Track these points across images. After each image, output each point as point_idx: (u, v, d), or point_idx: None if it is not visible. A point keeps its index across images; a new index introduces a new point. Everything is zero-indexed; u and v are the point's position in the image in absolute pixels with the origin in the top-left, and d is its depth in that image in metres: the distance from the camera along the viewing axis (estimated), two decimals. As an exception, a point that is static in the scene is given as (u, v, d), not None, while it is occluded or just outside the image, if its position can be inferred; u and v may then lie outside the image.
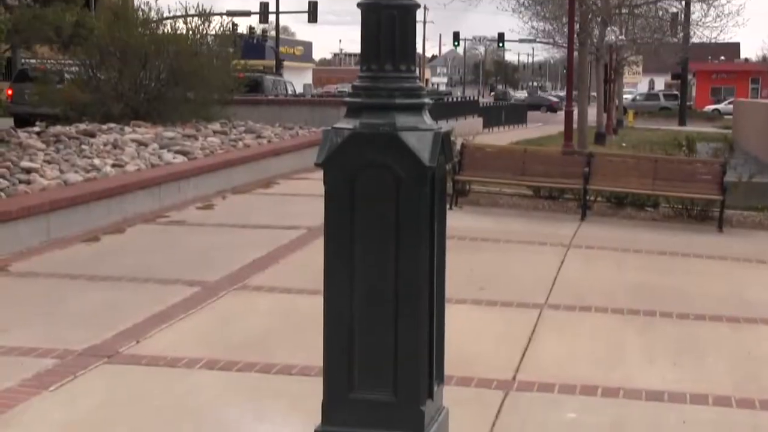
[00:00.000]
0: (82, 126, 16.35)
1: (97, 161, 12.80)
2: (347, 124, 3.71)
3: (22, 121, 21.69)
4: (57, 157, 12.93)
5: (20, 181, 10.89)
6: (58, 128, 15.92)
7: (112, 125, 16.73)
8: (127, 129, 16.56)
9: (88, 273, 8.49)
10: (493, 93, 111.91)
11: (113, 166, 12.73)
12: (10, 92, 25.76)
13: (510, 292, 8.29)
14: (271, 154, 16.61)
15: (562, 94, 59.77)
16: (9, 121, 22.55)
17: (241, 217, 11.95)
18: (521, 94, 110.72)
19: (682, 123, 52.34)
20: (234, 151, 16.02)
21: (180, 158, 14.28)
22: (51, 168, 11.96)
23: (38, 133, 15.15)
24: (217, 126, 18.74)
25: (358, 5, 3.68)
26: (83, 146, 14.13)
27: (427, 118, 3.74)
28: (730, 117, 44.55)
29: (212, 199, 13.25)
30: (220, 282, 8.19)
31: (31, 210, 9.61)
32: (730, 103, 58.25)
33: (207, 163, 14.24)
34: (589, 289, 8.55)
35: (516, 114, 49.52)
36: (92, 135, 15.18)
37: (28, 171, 11.40)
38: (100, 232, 10.38)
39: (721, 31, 34.82)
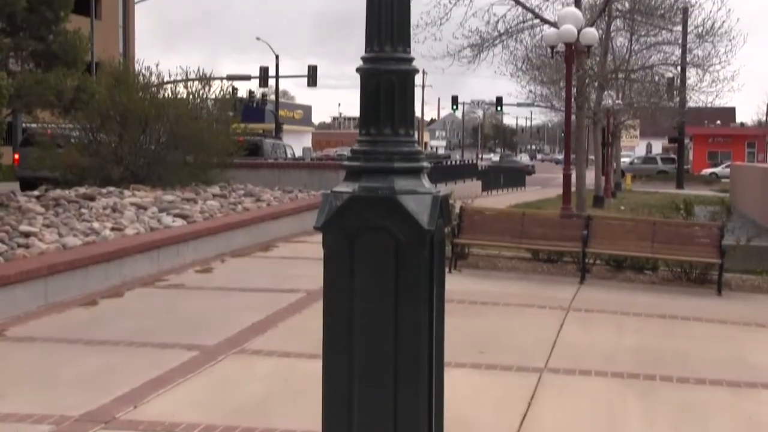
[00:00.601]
0: (82, 190, 16.40)
1: (96, 225, 12.82)
2: (346, 188, 3.72)
3: (29, 185, 21.76)
4: (56, 220, 12.95)
5: (18, 245, 10.89)
6: (58, 192, 15.97)
7: (111, 189, 16.78)
8: (127, 192, 16.61)
9: (85, 337, 8.45)
10: (500, 156, 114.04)
11: (112, 229, 12.74)
12: (17, 157, 26.11)
13: (509, 355, 8.25)
14: (270, 218, 16.65)
15: (560, 156, 60.06)
16: (9, 185, 22.62)
17: (240, 280, 11.93)
18: (524, 157, 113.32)
19: (679, 186, 52.55)
20: (233, 215, 16.06)
21: (179, 222, 14.30)
22: (50, 232, 11.97)
23: (38, 197, 15.19)
24: (216, 189, 18.80)
25: (358, 70, 3.73)
26: (83, 210, 14.17)
27: (425, 182, 3.76)
28: (728, 180, 44.75)
29: (211, 263, 13.24)
30: (218, 346, 8.15)
31: (29, 274, 9.60)
32: (727, 166, 58.54)
33: (206, 227, 14.25)
34: (589, 353, 8.51)
35: (515, 177, 49.72)
36: (92, 198, 15.22)
37: (27, 235, 11.41)
38: (99, 296, 10.35)
39: (716, 96, 35.17)
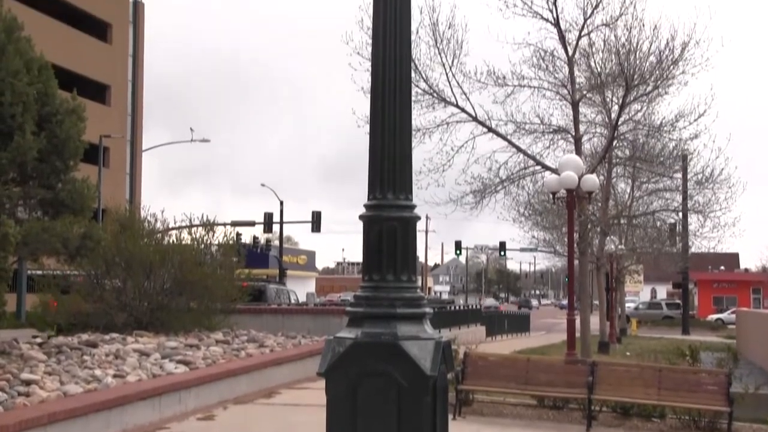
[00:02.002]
0: (85, 336, 16.35)
1: (98, 372, 12.73)
2: (349, 334, 3.73)
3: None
4: (58, 368, 12.86)
5: (19, 394, 10.78)
6: (61, 339, 15.92)
7: (114, 335, 16.73)
8: (130, 339, 16.55)
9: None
10: (517, 300, 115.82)
11: (114, 376, 12.64)
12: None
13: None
14: (273, 364, 16.51)
15: (565, 302, 59.93)
16: (11, 333, 22.53)
17: (242, 428, 11.75)
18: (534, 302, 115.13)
19: (685, 332, 52.26)
20: (236, 361, 15.93)
21: (182, 368, 14.19)
22: (51, 379, 11.88)
23: (40, 344, 15.13)
24: (219, 335, 18.73)
25: (360, 217, 3.79)
26: (85, 357, 14.09)
27: (428, 327, 3.77)
28: (734, 327, 44.51)
29: (213, 410, 13.07)
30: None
31: (29, 423, 9.47)
32: (732, 312, 58.33)
33: (208, 373, 14.13)
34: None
35: (519, 322, 49.50)
36: (94, 345, 15.16)
37: (28, 383, 11.32)
38: (98, 444, 10.17)
39: (718, 242, 35.32)
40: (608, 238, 34.09)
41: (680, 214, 36.99)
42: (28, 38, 14.99)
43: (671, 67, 25.69)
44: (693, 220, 36.25)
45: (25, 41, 14.71)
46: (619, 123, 27.18)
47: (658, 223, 37.46)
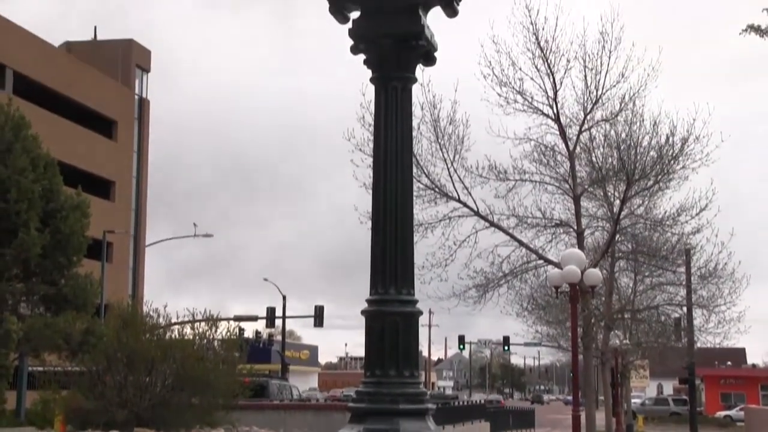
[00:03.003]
0: (85, 434, 16.18)
1: (97, 470, 12.55)
2: (351, 430, 3.70)
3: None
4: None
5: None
6: (60, 436, 15.74)
7: (114, 432, 16.54)
8: (130, 436, 16.36)
9: None
10: (531, 395, 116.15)
11: (113, 474, 12.46)
12: None
13: None
14: (275, 462, 16.29)
15: (570, 397, 59.25)
16: (13, 431, 22.27)
17: None
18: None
19: (693, 429, 51.41)
20: (237, 459, 15.72)
21: (182, 466, 13.99)
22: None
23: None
24: (221, 431, 18.52)
25: (362, 312, 3.79)
26: (84, 454, 13.91)
27: (431, 424, 3.74)
28: (743, 424, 43.93)
29: None
30: None
31: None
32: (741, 409, 57.60)
33: (209, 471, 13.92)
34: None
35: (523, 418, 48.86)
36: (94, 442, 14.98)
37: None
38: None
39: (724, 337, 35.00)
40: (612, 332, 33.87)
41: (684, 308, 36.79)
42: (35, 136, 15.25)
43: (672, 162, 25.89)
44: (698, 315, 36.02)
45: (32, 139, 14.96)
46: (621, 217, 27.27)
47: (663, 318, 37.23)
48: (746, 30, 17.43)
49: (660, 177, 26.36)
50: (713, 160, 25.78)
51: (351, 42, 3.53)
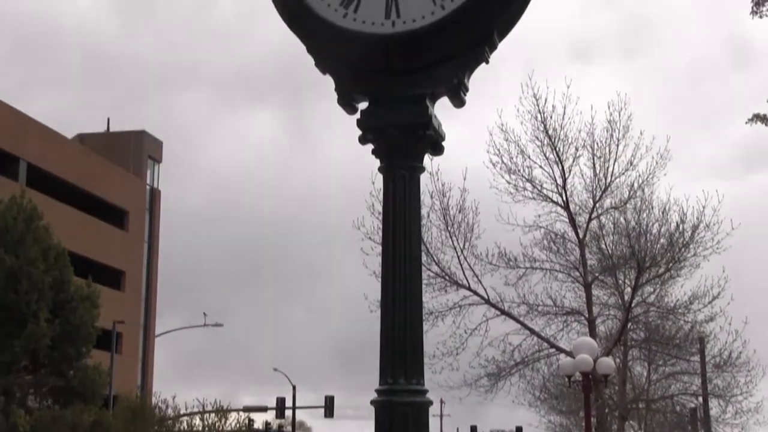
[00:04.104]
0: None
1: None
2: None
3: None
4: None
5: None
6: None
7: None
8: None
9: None
10: None
11: None
12: None
13: None
14: None
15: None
16: None
17: None
18: None
19: None
20: None
21: None
22: None
23: None
24: None
25: (372, 402, 3.74)
26: None
27: None
28: None
29: None
30: None
31: None
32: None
33: None
34: None
35: None
36: None
37: None
38: None
39: (742, 429, 34.38)
40: (627, 423, 33.37)
41: (700, 398, 36.26)
42: (47, 226, 15.36)
43: (682, 249, 25.85)
44: (714, 405, 35.46)
45: (43, 230, 15.07)
46: (633, 305, 27.11)
47: (678, 408, 36.69)
48: (752, 119, 17.61)
49: (671, 265, 26.29)
50: (724, 247, 25.74)
51: (359, 132, 3.57)
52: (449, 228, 25.20)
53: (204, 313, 56.34)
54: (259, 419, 68.81)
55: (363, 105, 3.58)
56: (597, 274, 27.72)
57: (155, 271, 61.40)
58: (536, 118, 26.11)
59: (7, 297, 16.07)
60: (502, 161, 26.22)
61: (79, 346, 14.62)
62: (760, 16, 16.36)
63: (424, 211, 21.27)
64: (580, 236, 26.51)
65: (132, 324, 53.00)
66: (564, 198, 26.28)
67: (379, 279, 3.89)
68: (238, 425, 22.00)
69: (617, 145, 26.14)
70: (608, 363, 22.31)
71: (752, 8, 16.36)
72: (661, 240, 25.89)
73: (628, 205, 26.43)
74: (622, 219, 26.70)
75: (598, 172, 26.22)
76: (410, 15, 3.42)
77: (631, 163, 26.12)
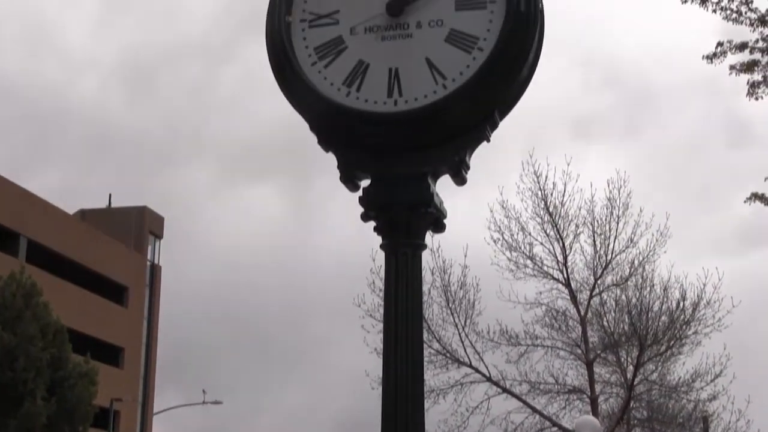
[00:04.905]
0: None
1: None
2: None
3: None
4: None
5: None
6: None
7: None
8: None
9: None
10: None
11: None
12: None
13: None
14: None
15: None
16: None
17: None
18: None
19: None
20: None
21: None
22: None
23: None
24: None
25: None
26: None
27: None
28: None
29: None
30: None
31: None
32: None
33: None
34: None
35: None
36: None
37: None
38: None
39: None
40: None
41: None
42: (46, 303, 15.31)
43: (684, 327, 25.76)
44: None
45: (42, 306, 15.02)
46: (635, 383, 26.89)
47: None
48: (751, 198, 17.73)
49: (673, 342, 26.16)
50: (725, 325, 25.63)
51: (361, 209, 3.58)
52: (450, 305, 25.14)
53: (203, 390, 55.86)
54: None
55: (365, 182, 3.60)
56: (599, 352, 27.55)
57: (154, 347, 61.05)
58: (537, 195, 26.23)
59: (4, 375, 15.87)
60: (503, 238, 26.26)
61: (76, 425, 14.42)
62: (756, 98, 16.61)
63: (425, 288, 21.21)
64: (582, 313, 26.42)
65: (130, 401, 52.51)
66: (565, 275, 26.26)
67: (381, 356, 3.87)
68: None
69: (617, 223, 26.21)
70: (611, 442, 22.06)
71: (748, 90, 16.62)
72: (663, 317, 25.80)
73: (629, 283, 26.38)
74: (623, 296, 26.62)
75: (598, 249, 26.25)
76: (412, 94, 3.47)
77: (632, 241, 26.16)
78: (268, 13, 3.71)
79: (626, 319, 26.39)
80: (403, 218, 3.52)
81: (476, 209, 31.64)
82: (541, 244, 26.24)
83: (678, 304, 25.54)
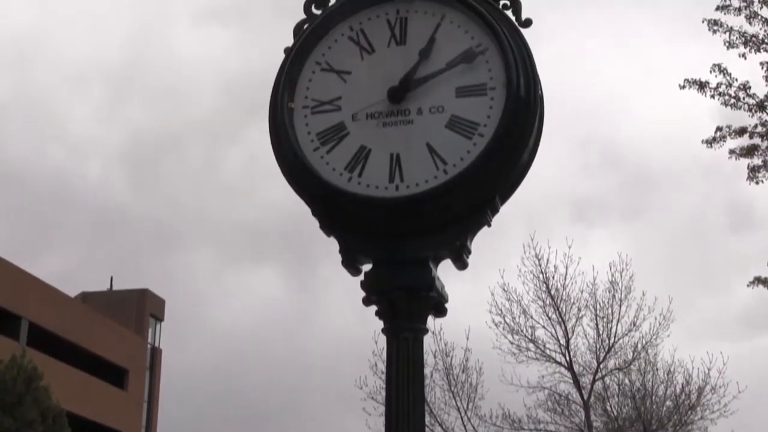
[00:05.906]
0: None
1: None
2: None
3: None
4: None
5: None
6: None
7: None
8: None
9: None
10: None
11: None
12: None
13: None
14: None
15: None
16: None
17: None
18: None
19: None
20: None
21: None
22: None
23: None
24: None
25: None
26: None
27: None
28: None
29: None
30: None
31: None
32: None
33: None
34: None
35: None
36: None
37: None
38: None
39: None
40: None
41: None
42: (47, 387, 15.18)
43: (689, 412, 25.46)
44: None
45: (43, 390, 14.90)
46: (641, 468, 26.52)
47: None
48: (753, 282, 17.77)
49: (678, 428, 25.83)
50: (731, 411, 25.33)
51: (363, 293, 3.58)
52: (453, 388, 24.94)
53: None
54: None
55: (367, 267, 3.61)
56: (602, 438, 27.23)
57: (154, 430, 60.32)
58: (538, 278, 26.14)
59: (2, 459, 15.80)
60: (505, 321, 26.10)
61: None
62: (757, 182, 16.73)
63: (426, 371, 21.11)
64: (585, 397, 26.14)
65: (128, 487, 51.73)
66: (567, 358, 26.04)
67: (383, 441, 3.84)
68: None
69: (620, 306, 26.06)
70: None
71: (749, 174, 16.75)
72: (667, 402, 25.52)
73: (632, 366, 26.14)
74: (626, 380, 26.36)
75: (601, 332, 26.06)
76: (413, 179, 3.49)
77: (634, 324, 25.97)
78: (270, 98, 3.76)
79: (630, 404, 26.11)
80: (405, 303, 3.52)
81: (478, 292, 31.62)
82: (543, 327, 26.10)
83: (682, 388, 25.30)
